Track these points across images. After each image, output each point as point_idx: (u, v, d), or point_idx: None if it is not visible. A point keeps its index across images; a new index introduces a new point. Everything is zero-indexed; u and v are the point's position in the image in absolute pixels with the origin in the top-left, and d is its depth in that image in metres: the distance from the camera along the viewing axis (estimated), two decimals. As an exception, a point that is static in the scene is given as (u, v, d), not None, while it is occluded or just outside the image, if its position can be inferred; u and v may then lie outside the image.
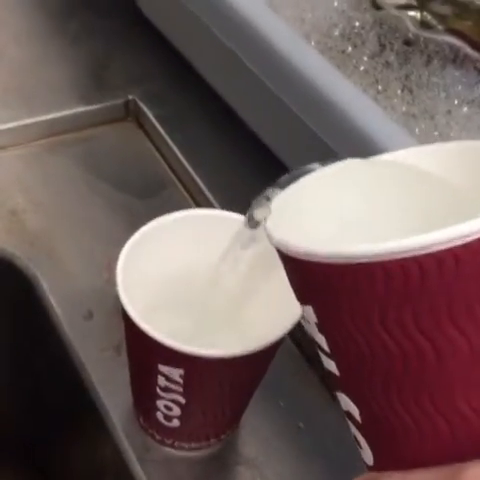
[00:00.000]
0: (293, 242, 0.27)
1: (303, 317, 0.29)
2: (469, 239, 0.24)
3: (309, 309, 0.28)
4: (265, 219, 0.30)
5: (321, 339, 0.28)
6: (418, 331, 0.25)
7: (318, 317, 0.27)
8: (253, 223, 0.35)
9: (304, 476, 0.46)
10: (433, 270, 0.24)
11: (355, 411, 0.28)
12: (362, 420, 0.27)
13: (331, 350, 0.28)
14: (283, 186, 0.31)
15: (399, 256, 0.24)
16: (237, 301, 0.42)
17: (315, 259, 0.26)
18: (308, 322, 0.28)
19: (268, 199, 0.32)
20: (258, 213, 0.34)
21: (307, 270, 0.27)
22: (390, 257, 0.24)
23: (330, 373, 0.28)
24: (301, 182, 0.31)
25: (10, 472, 0.60)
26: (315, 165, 0.31)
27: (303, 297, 0.28)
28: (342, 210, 0.31)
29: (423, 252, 0.24)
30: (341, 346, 0.27)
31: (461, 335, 0.24)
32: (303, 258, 0.27)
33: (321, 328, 0.27)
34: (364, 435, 0.28)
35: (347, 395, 0.28)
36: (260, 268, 0.40)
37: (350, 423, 0.28)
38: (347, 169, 0.31)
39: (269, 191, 0.32)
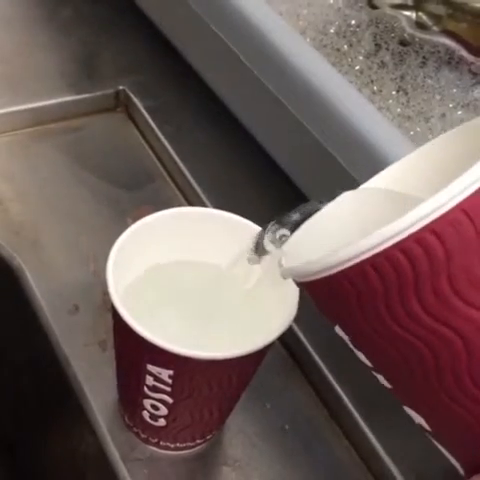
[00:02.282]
0: (295, 267, 0.28)
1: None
2: (441, 213, 0.24)
3: (338, 328, 0.28)
4: (272, 250, 0.33)
5: (361, 355, 0.28)
6: (430, 317, 0.25)
7: (347, 333, 0.28)
8: (261, 252, 0.35)
9: (289, 477, 0.46)
10: (419, 253, 0.24)
11: (422, 420, 0.28)
12: (431, 427, 0.28)
13: (372, 363, 0.28)
14: (287, 224, 0.33)
15: (380, 248, 0.25)
16: (228, 303, 0.42)
17: (313, 277, 0.27)
18: (348, 343, 0.29)
19: (275, 232, 0.33)
20: (267, 245, 0.34)
21: (315, 289, 0.28)
22: (372, 252, 0.25)
23: (387, 389, 0.29)
24: (309, 222, 0.32)
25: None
26: (318, 205, 0.32)
27: (328, 317, 0.29)
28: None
29: (400, 238, 0.24)
30: (375, 356, 0.28)
31: (471, 307, 0.25)
32: (305, 280, 0.28)
33: (354, 343, 0.28)
34: (440, 442, 0.28)
35: (408, 406, 0.28)
36: (255, 271, 0.40)
37: (428, 436, 0.29)
38: (345, 201, 0.32)
39: (275, 226, 0.33)
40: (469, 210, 0.24)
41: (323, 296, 0.28)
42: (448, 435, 0.28)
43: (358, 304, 0.26)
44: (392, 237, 0.25)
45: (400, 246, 0.24)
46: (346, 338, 0.28)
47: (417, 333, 0.25)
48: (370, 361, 0.28)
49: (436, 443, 0.29)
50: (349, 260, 0.26)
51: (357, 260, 0.25)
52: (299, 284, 0.29)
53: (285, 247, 0.33)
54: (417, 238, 0.24)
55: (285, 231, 0.33)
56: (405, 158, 0.33)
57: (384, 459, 0.46)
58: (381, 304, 0.26)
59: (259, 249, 0.35)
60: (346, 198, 0.32)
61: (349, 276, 0.26)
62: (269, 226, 0.34)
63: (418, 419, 0.28)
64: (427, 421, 0.28)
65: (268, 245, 0.34)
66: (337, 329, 0.28)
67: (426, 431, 0.29)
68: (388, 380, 0.28)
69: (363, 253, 0.25)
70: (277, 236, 0.33)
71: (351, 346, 0.28)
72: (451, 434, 0.28)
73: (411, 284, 0.25)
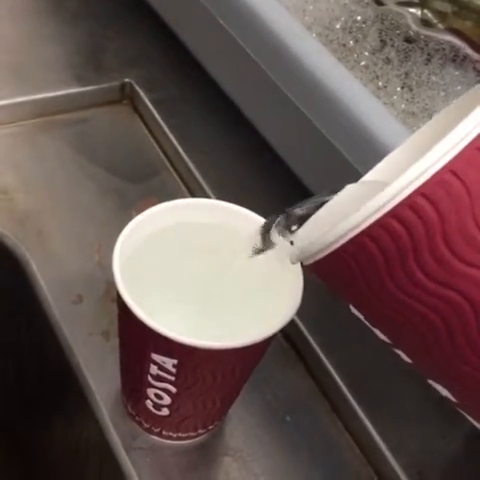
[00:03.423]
0: (299, 249, 0.29)
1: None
2: (428, 175, 0.24)
3: (352, 308, 0.29)
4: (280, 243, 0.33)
5: (378, 332, 0.29)
6: (433, 281, 0.25)
7: (360, 311, 0.28)
8: (267, 244, 0.35)
9: (289, 468, 0.46)
10: (412, 218, 0.25)
11: (447, 392, 0.28)
12: (456, 398, 0.28)
13: (389, 338, 0.28)
14: (295, 217, 0.33)
15: (374, 218, 0.25)
16: (233, 293, 0.42)
17: (317, 256, 0.28)
18: (365, 322, 0.29)
19: (283, 225, 0.34)
20: (274, 237, 0.35)
21: (322, 271, 0.28)
22: (366, 223, 0.25)
23: (410, 364, 0.29)
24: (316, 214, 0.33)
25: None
26: (325, 198, 0.33)
27: (341, 298, 0.29)
28: None
29: (392, 205, 0.25)
30: (389, 330, 0.28)
31: (472, 267, 0.25)
32: (311, 261, 0.28)
33: (369, 321, 0.28)
34: (469, 413, 0.28)
35: (431, 379, 0.28)
36: (259, 262, 0.40)
37: (457, 409, 0.29)
38: (348, 194, 0.33)
39: (283, 219, 0.34)
40: (457, 170, 0.24)
41: (331, 276, 0.28)
42: (473, 404, 0.28)
43: (363, 278, 0.26)
44: (384, 205, 0.25)
45: (393, 213, 0.25)
46: (361, 317, 0.29)
47: (423, 299, 0.25)
48: (387, 337, 0.28)
49: (466, 415, 0.29)
50: (345, 235, 0.26)
51: (353, 233, 0.26)
52: (308, 269, 0.29)
53: (294, 238, 0.33)
54: (408, 203, 0.24)
55: (293, 224, 0.33)
56: (399, 148, 0.33)
57: (384, 452, 0.46)
58: (384, 274, 0.26)
59: (265, 241, 0.36)
60: (349, 191, 0.33)
61: (349, 251, 0.26)
62: (277, 219, 0.34)
63: (444, 392, 0.28)
64: (451, 392, 0.28)
65: (275, 237, 0.34)
66: (352, 309, 0.29)
67: (454, 404, 0.29)
68: (407, 355, 0.28)
69: (358, 225, 0.25)
70: (285, 229, 0.34)
71: (367, 324, 0.29)
72: (476, 402, 0.28)
73: (410, 250, 0.25)
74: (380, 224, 0.25)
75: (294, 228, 0.33)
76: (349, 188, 0.33)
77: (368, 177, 0.34)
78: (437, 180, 0.24)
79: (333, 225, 0.27)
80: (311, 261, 0.28)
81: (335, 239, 0.26)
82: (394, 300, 0.26)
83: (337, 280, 0.28)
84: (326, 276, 0.29)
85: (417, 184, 0.24)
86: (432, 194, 0.24)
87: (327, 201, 0.33)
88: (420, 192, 0.24)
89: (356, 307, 0.28)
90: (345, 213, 0.26)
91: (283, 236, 0.34)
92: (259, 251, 0.37)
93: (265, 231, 0.35)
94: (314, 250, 0.28)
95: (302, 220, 0.33)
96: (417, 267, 0.25)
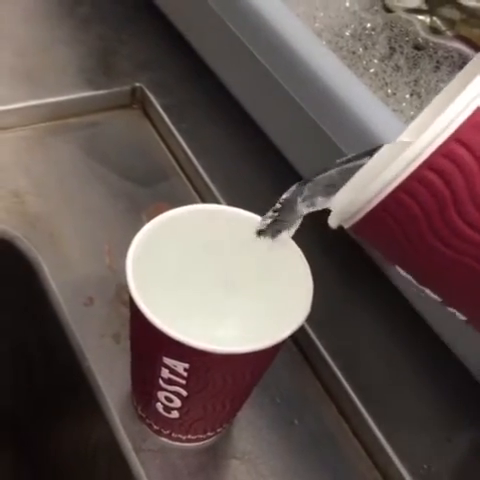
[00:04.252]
0: (337, 210, 0.28)
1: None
2: (464, 118, 0.24)
3: (399, 269, 0.28)
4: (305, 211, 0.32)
5: (430, 292, 0.28)
6: (473, 229, 0.25)
7: (408, 272, 0.28)
8: (288, 215, 0.34)
9: (297, 470, 0.47)
10: (450, 167, 0.24)
11: None
12: None
13: (439, 296, 0.28)
14: (322, 183, 0.32)
15: (408, 172, 0.24)
16: (244, 297, 0.43)
17: (356, 217, 0.27)
18: (413, 283, 0.28)
19: (310, 192, 0.32)
20: (300, 206, 0.33)
21: (363, 232, 0.28)
22: (402, 177, 0.25)
23: (466, 322, 0.29)
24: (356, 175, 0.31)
25: (3, 456, 0.61)
26: (357, 162, 0.31)
27: (386, 259, 0.29)
28: None
29: (426, 155, 0.24)
30: (438, 288, 0.27)
31: None
32: (351, 223, 0.27)
33: (417, 280, 0.28)
34: None
35: None
36: (270, 267, 0.40)
37: None
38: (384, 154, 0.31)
39: (311, 186, 0.32)
40: None
41: (373, 237, 0.28)
42: None
43: (404, 235, 0.26)
44: (418, 156, 0.24)
45: (428, 164, 0.24)
46: (410, 278, 0.28)
47: (466, 250, 0.25)
48: (437, 295, 0.28)
49: None
50: (381, 192, 0.25)
51: (389, 189, 0.25)
52: (350, 231, 0.29)
53: (331, 202, 0.31)
54: (444, 152, 0.24)
55: (318, 194, 0.32)
56: (428, 107, 0.31)
57: (391, 455, 0.47)
58: (425, 229, 0.25)
59: (286, 212, 0.34)
60: (384, 150, 0.31)
61: (387, 209, 0.26)
62: (303, 187, 0.32)
63: None
64: None
65: (301, 206, 0.33)
66: (400, 271, 0.28)
67: None
68: (461, 311, 0.28)
69: (394, 180, 0.25)
70: (310, 198, 0.32)
71: (416, 285, 0.28)
72: None
73: (449, 200, 0.24)
74: (416, 177, 0.24)
75: (319, 199, 0.32)
76: (384, 148, 0.31)
77: (402, 138, 0.34)
78: (473, 123, 0.23)
79: (368, 185, 0.26)
80: (351, 223, 0.28)
81: (370, 197, 0.26)
82: (438, 255, 0.25)
83: (379, 239, 0.28)
84: (368, 236, 0.28)
85: (451, 130, 0.23)
86: (469, 139, 0.23)
87: (349, 167, 0.31)
88: (455, 138, 0.23)
89: (402, 267, 0.28)
90: (380, 174, 0.26)
91: (312, 205, 0.33)
92: (271, 228, 0.36)
93: (288, 202, 0.34)
94: (353, 210, 0.27)
95: (328, 189, 0.32)
96: (457, 216, 0.24)
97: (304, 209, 0.33)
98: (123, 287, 0.51)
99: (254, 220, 0.42)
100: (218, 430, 0.46)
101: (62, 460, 0.55)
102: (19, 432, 0.60)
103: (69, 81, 0.64)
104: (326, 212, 0.31)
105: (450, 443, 0.48)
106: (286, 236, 0.37)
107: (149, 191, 0.59)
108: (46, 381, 0.56)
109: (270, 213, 0.36)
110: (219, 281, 0.43)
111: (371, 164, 0.30)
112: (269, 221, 0.36)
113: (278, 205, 0.35)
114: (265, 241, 0.38)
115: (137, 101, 0.65)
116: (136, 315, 0.39)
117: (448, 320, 0.47)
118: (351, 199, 0.27)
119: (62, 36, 0.67)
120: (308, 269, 0.40)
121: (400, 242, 0.26)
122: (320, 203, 0.32)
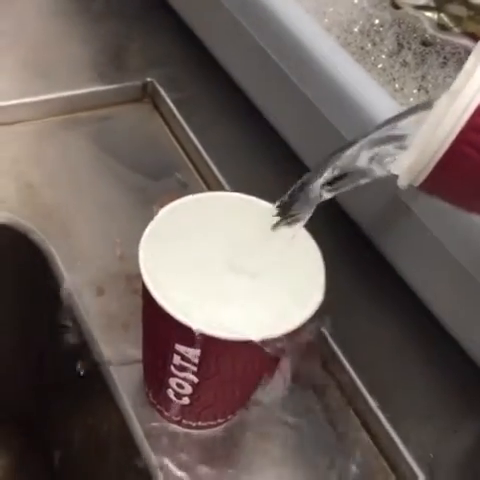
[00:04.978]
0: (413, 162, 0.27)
1: None
2: None
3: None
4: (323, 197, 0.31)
5: None
6: None
7: None
8: (305, 201, 0.34)
9: (305, 455, 0.47)
10: None
11: None
12: None
13: None
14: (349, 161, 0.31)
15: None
16: (254, 286, 0.44)
17: (435, 160, 0.26)
18: None
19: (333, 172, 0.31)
20: (317, 190, 0.33)
21: (439, 184, 0.27)
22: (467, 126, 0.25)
23: None
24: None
25: (14, 442, 0.61)
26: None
27: (467, 211, 0.29)
28: None
29: None
30: None
31: None
32: (428, 171, 0.27)
33: None
34: None
35: None
36: (282, 255, 0.41)
37: None
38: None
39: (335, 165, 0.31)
40: None
41: (450, 186, 0.27)
42: None
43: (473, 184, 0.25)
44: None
45: None
46: None
47: None
48: None
49: None
50: (451, 133, 0.25)
51: (467, 115, 0.25)
52: (423, 187, 0.28)
53: (393, 167, 0.30)
54: None
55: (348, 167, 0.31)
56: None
57: (398, 444, 0.47)
58: None
59: (301, 198, 0.33)
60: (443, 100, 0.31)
61: (469, 139, 0.25)
62: (324, 169, 0.31)
63: None
64: None
65: (320, 191, 0.32)
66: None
67: None
68: None
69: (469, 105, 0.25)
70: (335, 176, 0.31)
71: None
72: None
73: None
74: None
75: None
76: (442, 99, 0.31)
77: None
78: None
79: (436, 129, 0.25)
80: (425, 175, 0.27)
81: (442, 140, 0.25)
82: None
83: (458, 188, 0.27)
84: (445, 187, 0.27)
85: None
86: None
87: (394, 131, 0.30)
88: None
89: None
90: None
91: (328, 190, 0.31)
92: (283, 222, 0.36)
93: (303, 188, 0.33)
94: (428, 155, 0.26)
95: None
96: None
97: (326, 194, 0.33)
98: (133, 277, 0.52)
99: (266, 207, 0.42)
100: (229, 417, 0.47)
101: (73, 448, 0.56)
102: (29, 420, 0.61)
103: (82, 76, 0.65)
104: (336, 204, 0.30)
105: (456, 434, 0.49)
106: (300, 224, 0.37)
107: (159, 184, 0.60)
108: (57, 369, 0.56)
109: (285, 198, 0.36)
110: (231, 269, 0.44)
111: (435, 114, 0.29)
112: (283, 206, 0.36)
113: (293, 190, 0.35)
114: (278, 229, 0.39)
115: (148, 96, 0.66)
116: (149, 303, 0.40)
117: (456, 312, 0.48)
118: (420, 150, 0.26)
119: (75, 32, 0.68)
120: (320, 256, 0.41)
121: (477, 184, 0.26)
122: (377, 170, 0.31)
